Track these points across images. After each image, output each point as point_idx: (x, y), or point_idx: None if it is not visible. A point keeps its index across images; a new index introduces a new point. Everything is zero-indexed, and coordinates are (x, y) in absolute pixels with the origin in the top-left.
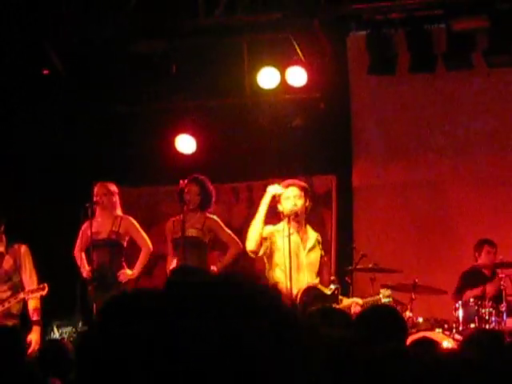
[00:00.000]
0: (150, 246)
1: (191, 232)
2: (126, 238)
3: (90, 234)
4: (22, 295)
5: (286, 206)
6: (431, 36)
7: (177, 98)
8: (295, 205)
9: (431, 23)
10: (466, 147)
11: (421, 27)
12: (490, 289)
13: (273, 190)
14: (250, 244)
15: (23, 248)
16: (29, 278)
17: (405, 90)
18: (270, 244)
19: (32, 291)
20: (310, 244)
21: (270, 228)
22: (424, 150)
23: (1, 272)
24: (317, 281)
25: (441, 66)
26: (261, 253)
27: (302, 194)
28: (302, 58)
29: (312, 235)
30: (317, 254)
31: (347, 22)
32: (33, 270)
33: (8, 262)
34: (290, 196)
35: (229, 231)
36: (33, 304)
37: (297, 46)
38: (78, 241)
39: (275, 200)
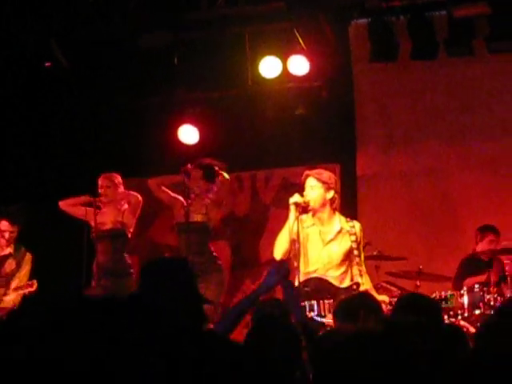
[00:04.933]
0: (140, 198)
1: (196, 218)
2: (131, 230)
3: (94, 224)
4: (12, 294)
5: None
6: (432, 23)
7: (179, 90)
8: (304, 196)
9: (432, 10)
10: (469, 134)
11: (422, 14)
12: (493, 277)
13: (293, 200)
14: (278, 253)
15: (28, 255)
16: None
17: (407, 78)
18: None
19: (21, 287)
20: (329, 237)
21: (295, 228)
22: (427, 138)
23: (1, 273)
24: (336, 273)
25: (442, 52)
26: (291, 254)
27: (319, 184)
28: (304, 47)
29: (335, 227)
30: (339, 245)
31: (349, 10)
32: (26, 275)
33: (10, 266)
34: (306, 187)
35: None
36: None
37: (298, 35)
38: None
39: (301, 207)
